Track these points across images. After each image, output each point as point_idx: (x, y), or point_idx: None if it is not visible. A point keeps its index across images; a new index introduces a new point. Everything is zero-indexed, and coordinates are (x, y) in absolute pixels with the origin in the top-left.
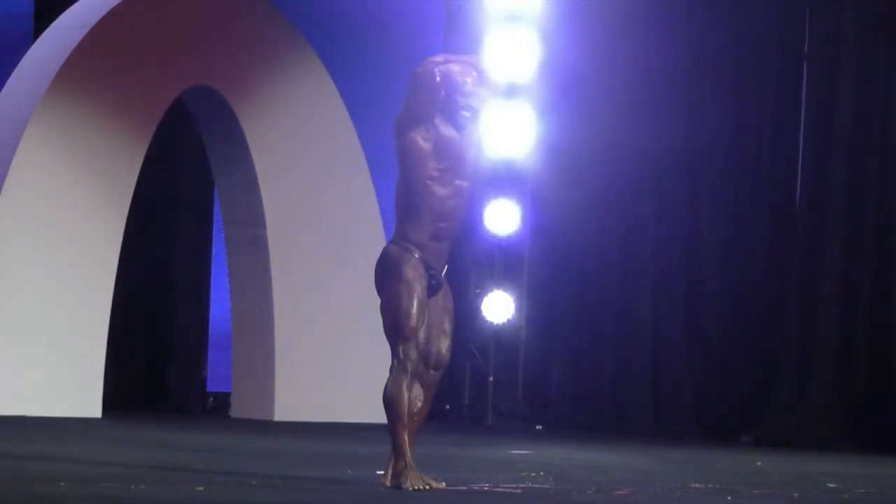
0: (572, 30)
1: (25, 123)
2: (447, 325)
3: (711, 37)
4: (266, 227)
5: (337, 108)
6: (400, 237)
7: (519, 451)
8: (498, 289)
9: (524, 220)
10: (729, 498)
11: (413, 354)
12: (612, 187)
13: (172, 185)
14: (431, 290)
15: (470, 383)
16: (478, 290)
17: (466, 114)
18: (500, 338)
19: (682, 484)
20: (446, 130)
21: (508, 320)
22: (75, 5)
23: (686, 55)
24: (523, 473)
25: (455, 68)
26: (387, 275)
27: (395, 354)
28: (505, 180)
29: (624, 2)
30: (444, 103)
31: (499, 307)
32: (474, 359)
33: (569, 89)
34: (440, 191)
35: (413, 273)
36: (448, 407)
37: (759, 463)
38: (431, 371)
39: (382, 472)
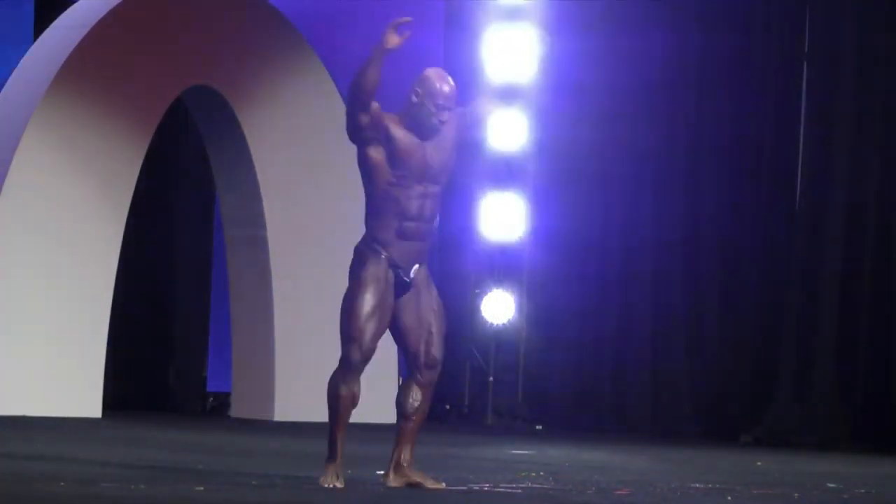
0: (572, 29)
1: (25, 123)
2: (435, 325)
3: (711, 37)
4: (266, 228)
5: (337, 109)
6: (367, 235)
7: (519, 451)
8: (497, 288)
9: (525, 220)
10: (729, 498)
11: (356, 355)
12: (612, 187)
13: (172, 185)
14: (400, 288)
15: (470, 383)
16: (478, 290)
17: (443, 117)
18: (500, 338)
19: (682, 484)
20: (405, 139)
21: (508, 320)
22: (75, 5)
23: (686, 55)
24: (523, 473)
25: (431, 74)
26: (350, 272)
27: (341, 352)
28: (505, 179)
29: (624, 3)
30: (419, 108)
31: (499, 307)
32: (474, 359)
33: (567, 89)
34: (403, 193)
35: (370, 274)
36: (448, 407)
37: (759, 463)
38: (425, 371)
39: (383, 472)
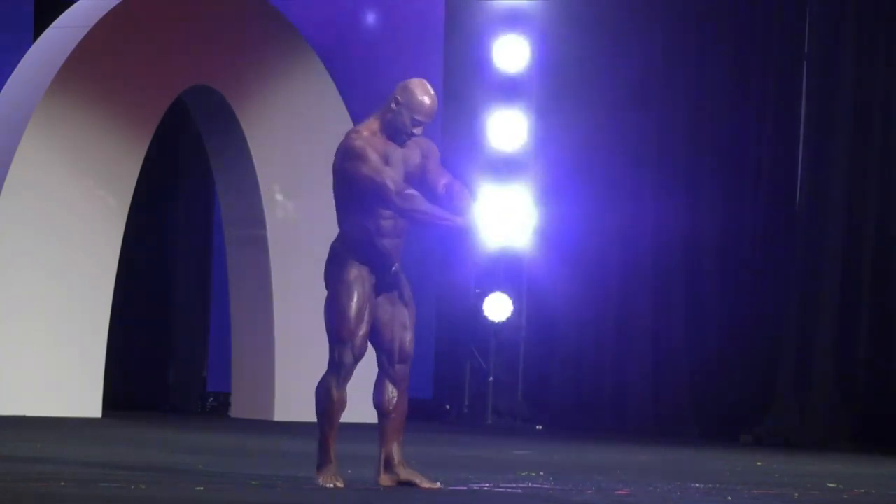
0: (571, 30)
1: (25, 123)
2: (408, 319)
3: (711, 37)
4: (266, 227)
5: (337, 109)
6: (346, 237)
7: (519, 451)
8: (498, 289)
9: (526, 221)
10: (729, 498)
11: (349, 358)
12: (612, 187)
13: (172, 185)
14: (383, 287)
15: (470, 383)
16: (479, 290)
17: (418, 132)
18: (500, 338)
19: (681, 484)
20: (384, 154)
21: (507, 318)
22: (75, 5)
23: (686, 55)
24: (523, 473)
25: (415, 85)
26: (331, 275)
27: (330, 355)
28: (507, 177)
29: (623, 3)
30: (395, 115)
31: (499, 307)
32: (474, 359)
33: (567, 87)
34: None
35: (354, 275)
36: (448, 407)
37: (759, 463)
38: (398, 365)
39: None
